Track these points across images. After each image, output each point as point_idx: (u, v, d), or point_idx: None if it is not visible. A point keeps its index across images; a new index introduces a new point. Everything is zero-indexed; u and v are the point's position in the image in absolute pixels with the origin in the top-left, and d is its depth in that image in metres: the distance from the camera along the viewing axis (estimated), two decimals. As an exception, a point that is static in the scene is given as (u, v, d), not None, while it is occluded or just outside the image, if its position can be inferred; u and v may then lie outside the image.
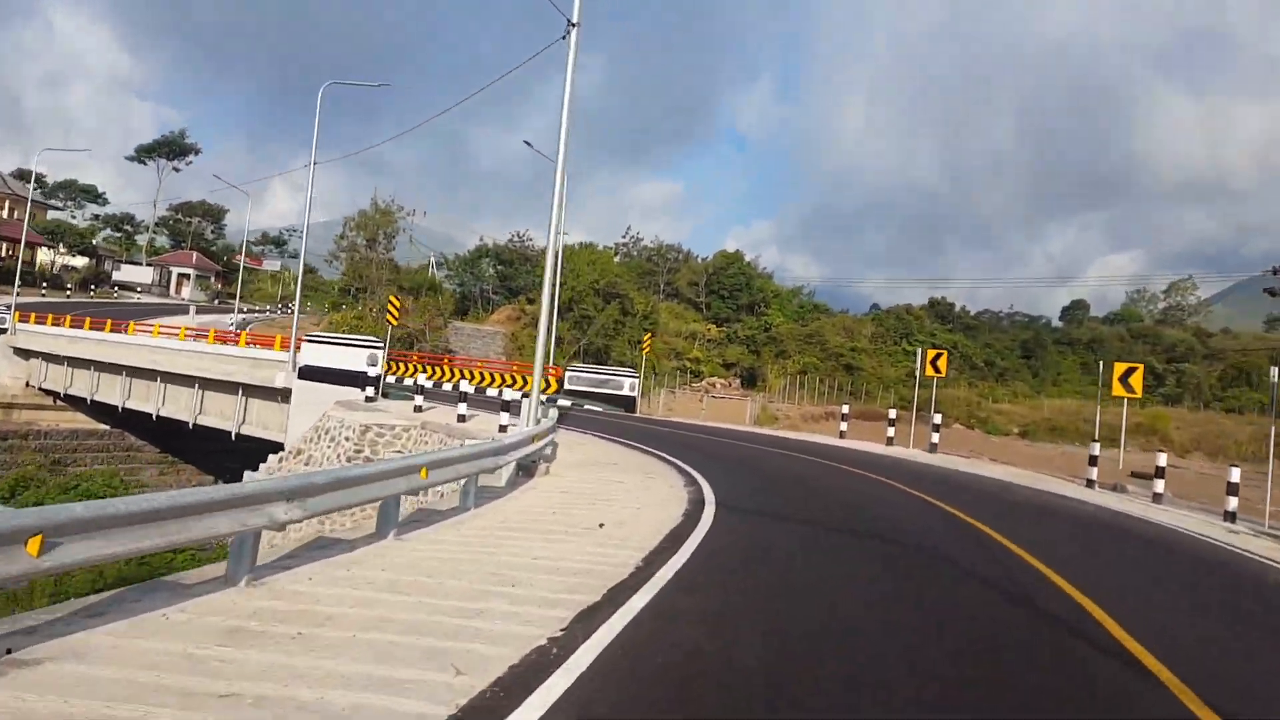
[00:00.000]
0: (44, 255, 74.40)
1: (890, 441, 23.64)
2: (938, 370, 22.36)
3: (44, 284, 66.99)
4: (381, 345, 24.53)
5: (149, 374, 30.86)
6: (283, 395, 24.33)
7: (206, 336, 35.29)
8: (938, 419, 22.00)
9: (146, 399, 31.49)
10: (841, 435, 25.72)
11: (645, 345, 35.86)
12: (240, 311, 71.24)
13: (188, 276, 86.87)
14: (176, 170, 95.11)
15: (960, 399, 57.62)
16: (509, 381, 32.73)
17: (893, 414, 24.10)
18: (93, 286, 72.86)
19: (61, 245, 71.96)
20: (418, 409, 20.84)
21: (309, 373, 23.73)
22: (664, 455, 17.09)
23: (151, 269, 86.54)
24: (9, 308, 41.33)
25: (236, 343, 42.90)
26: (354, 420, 18.58)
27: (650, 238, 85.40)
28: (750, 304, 78.62)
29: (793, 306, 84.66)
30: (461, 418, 18.38)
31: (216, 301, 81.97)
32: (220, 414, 27.89)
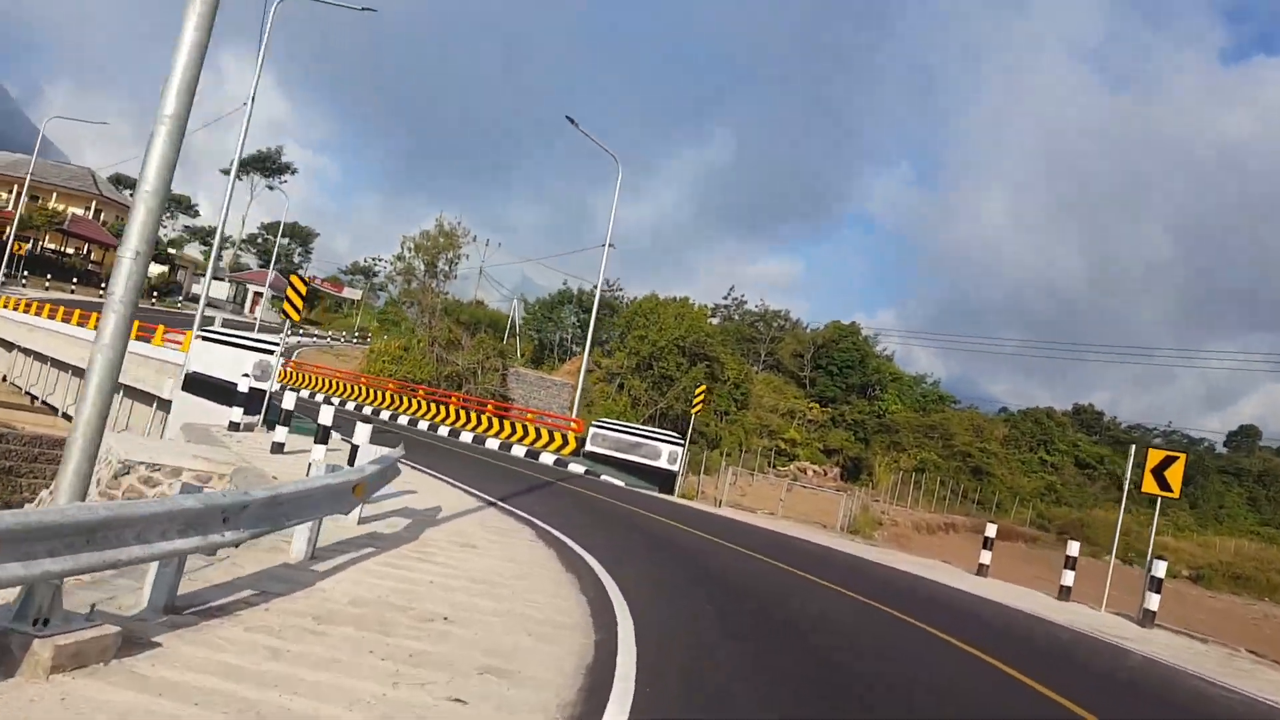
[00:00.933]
0: (109, 256, 73.14)
1: (1066, 594, 14.83)
2: (1166, 486, 13.35)
3: (103, 285, 64.96)
4: (274, 347, 17.73)
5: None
6: (166, 407, 18.27)
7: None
8: (1160, 570, 13.02)
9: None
10: (982, 571, 16.93)
11: (697, 399, 27.71)
12: (298, 334, 67.33)
13: (262, 295, 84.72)
14: (270, 189, 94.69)
15: (1109, 523, 47.15)
16: (554, 441, 25.51)
17: (1073, 549, 15.11)
18: (155, 294, 70.79)
19: (136, 249, 70.58)
20: (278, 447, 13.80)
21: (194, 383, 17.41)
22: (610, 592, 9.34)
23: (228, 285, 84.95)
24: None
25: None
26: (122, 453, 11.60)
27: (755, 301, 77.74)
28: (863, 385, 69.49)
29: (913, 394, 75.01)
30: (278, 446, 11.55)
31: (289, 325, 78.75)
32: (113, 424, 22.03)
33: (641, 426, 25.92)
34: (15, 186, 73.63)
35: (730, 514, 22.29)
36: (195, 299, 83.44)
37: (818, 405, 64.31)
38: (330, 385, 33.29)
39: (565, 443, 25.67)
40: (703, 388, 27.54)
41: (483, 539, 9.91)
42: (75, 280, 61.44)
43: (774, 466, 53.31)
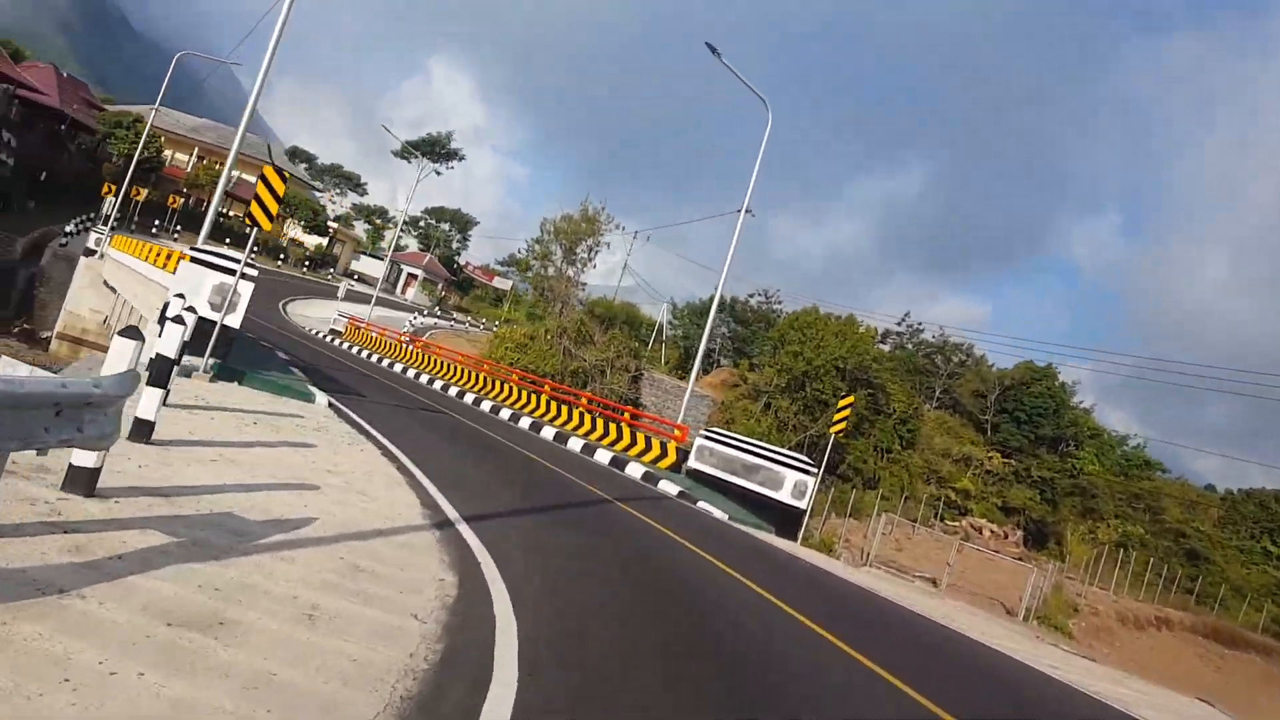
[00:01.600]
0: (273, 227, 74.95)
1: None
2: None
3: (255, 248, 65.99)
4: (247, 264, 13.29)
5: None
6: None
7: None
8: None
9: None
10: None
11: (839, 416, 20.87)
12: (435, 315, 65.88)
13: (415, 277, 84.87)
14: (437, 174, 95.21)
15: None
16: (650, 449, 20.49)
17: None
18: (308, 263, 71.55)
19: (295, 220, 71.94)
20: (141, 430, 9.08)
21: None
22: None
23: (382, 264, 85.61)
24: (107, 228, 36.57)
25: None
26: None
27: (933, 330, 69.59)
28: (1055, 438, 60.04)
29: (1114, 456, 64.53)
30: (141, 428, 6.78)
31: (437, 308, 78.15)
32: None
33: (762, 444, 20.27)
34: (195, 149, 76.91)
35: (873, 582, 16.30)
36: (351, 274, 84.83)
37: (999, 455, 55.81)
38: (448, 369, 29.87)
39: (663, 453, 20.54)
40: (849, 399, 21.49)
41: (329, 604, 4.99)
42: (227, 240, 62.40)
43: (941, 520, 45.79)
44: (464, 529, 7.86)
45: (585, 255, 48.88)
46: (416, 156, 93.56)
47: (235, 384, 12.53)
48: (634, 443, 21.32)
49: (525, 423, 22.59)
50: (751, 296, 69.40)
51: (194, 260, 12.55)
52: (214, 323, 12.50)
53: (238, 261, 12.83)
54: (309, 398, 13.14)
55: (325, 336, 37.21)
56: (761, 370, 53.77)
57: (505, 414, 23.50)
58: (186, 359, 10.66)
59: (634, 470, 18.89)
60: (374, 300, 44.48)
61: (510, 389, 26.80)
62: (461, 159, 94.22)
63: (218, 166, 69.17)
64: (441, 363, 31.69)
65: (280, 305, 46.11)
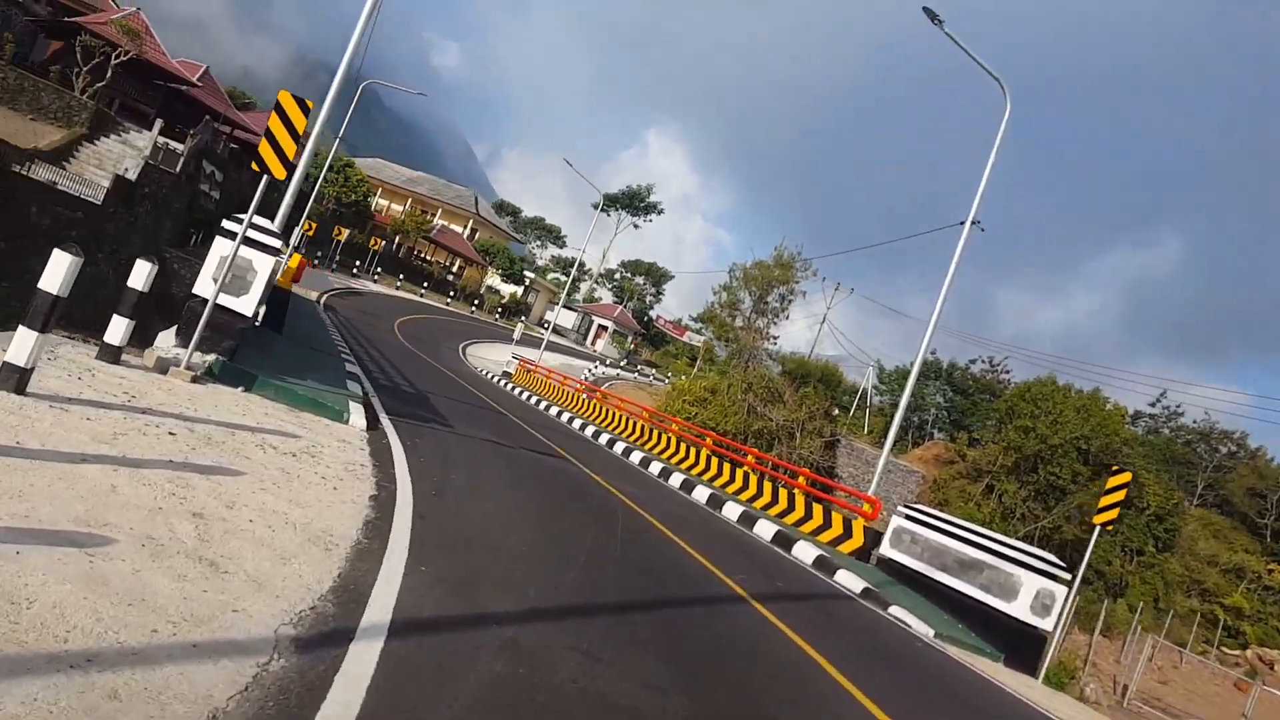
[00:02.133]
0: (471, 272, 76.06)
1: None
2: None
3: (451, 294, 66.79)
4: (277, 244, 9.74)
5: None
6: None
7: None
8: None
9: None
10: None
11: (1106, 501, 14.53)
12: (620, 367, 63.46)
13: (606, 329, 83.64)
14: (636, 226, 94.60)
15: None
16: (829, 527, 15.60)
17: None
18: (499, 311, 71.76)
19: (494, 269, 72.81)
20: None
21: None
22: None
23: (576, 314, 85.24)
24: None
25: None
26: None
27: (1197, 416, 58.93)
28: (1365, 551, 48.21)
29: None
30: None
31: (625, 361, 76.18)
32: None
33: (987, 532, 14.63)
34: (409, 199, 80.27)
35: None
36: (544, 325, 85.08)
37: (1283, 567, 45.24)
38: (610, 417, 26.54)
39: (846, 533, 15.45)
40: (1123, 477, 15.30)
41: None
42: (425, 284, 63.48)
43: (1216, 647, 36.59)
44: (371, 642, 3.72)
45: (777, 304, 44.44)
46: (614, 209, 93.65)
47: (240, 389, 9.24)
48: (808, 515, 16.42)
49: (676, 479, 18.32)
50: (973, 363, 61.79)
51: (221, 234, 9.48)
52: (232, 311, 9.36)
53: (271, 234, 9.65)
54: (339, 416, 9.63)
55: (495, 378, 35.02)
56: (983, 446, 46.61)
57: (655, 467, 19.36)
58: (173, 350, 7.45)
59: (804, 552, 14.03)
60: (544, 344, 42.19)
61: (667, 440, 22.68)
62: (660, 212, 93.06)
63: (425, 214, 71.32)
64: (606, 410, 28.23)
65: (460, 347, 45.04)
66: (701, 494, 17.21)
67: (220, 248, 9.28)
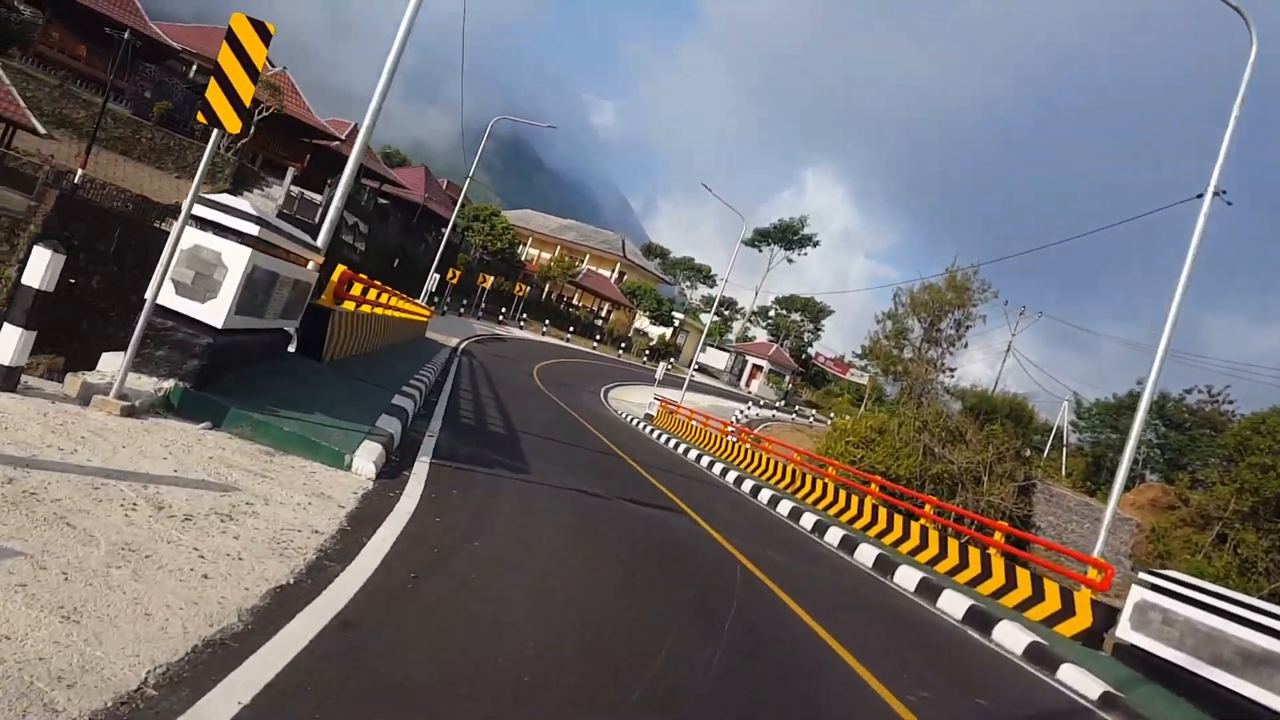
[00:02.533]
0: (619, 315, 74.51)
1: None
2: None
3: (598, 338, 65.32)
4: (247, 225, 7.08)
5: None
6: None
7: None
8: None
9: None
10: None
11: None
12: (776, 408, 59.59)
13: (760, 369, 79.88)
14: (790, 260, 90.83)
15: None
16: (1040, 599, 11.64)
17: None
18: (647, 354, 69.59)
19: (642, 311, 71.05)
20: None
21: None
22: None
23: (728, 355, 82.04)
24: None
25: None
26: None
27: None
28: None
29: None
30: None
31: (783, 402, 72.21)
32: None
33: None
34: (557, 247, 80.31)
35: None
36: (701, 369, 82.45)
37: None
38: (761, 464, 23.35)
39: (1066, 608, 11.33)
40: None
41: None
42: (572, 329, 62.35)
43: None
44: None
45: (952, 332, 39.64)
46: (767, 244, 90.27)
47: (202, 425, 6.81)
48: (1010, 583, 12.46)
49: (834, 535, 14.78)
50: (1188, 393, 53.80)
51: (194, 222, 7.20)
52: (195, 322, 7.03)
53: (248, 219, 7.28)
54: (337, 460, 7.07)
55: (634, 421, 32.44)
56: (1210, 489, 39.66)
57: (808, 520, 15.89)
58: (117, 375, 5.12)
59: (1010, 636, 10.21)
60: (686, 383, 39.29)
61: (823, 486, 19.09)
62: (815, 244, 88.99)
63: (574, 260, 70.74)
64: (750, 454, 24.96)
65: (602, 391, 42.95)
66: (866, 553, 13.60)
67: (195, 238, 6.95)
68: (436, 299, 46.63)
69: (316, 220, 36.36)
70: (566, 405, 26.54)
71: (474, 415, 14.41)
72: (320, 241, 11.90)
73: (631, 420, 32.93)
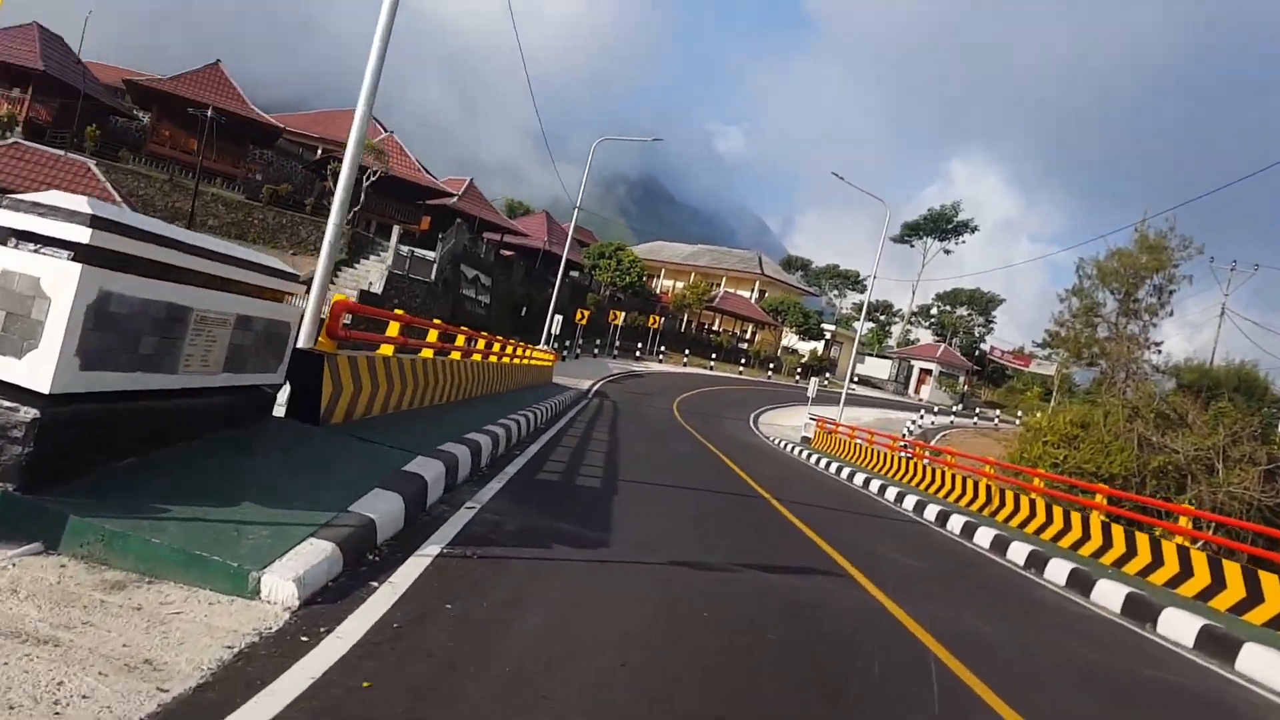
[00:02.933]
0: (765, 335, 70.74)
1: None
2: None
3: (743, 361, 61.92)
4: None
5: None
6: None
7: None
8: None
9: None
10: None
11: None
12: (953, 413, 54.11)
13: (929, 372, 73.85)
14: (946, 252, 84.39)
15: None
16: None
17: None
18: (799, 372, 65.44)
19: (788, 327, 67.16)
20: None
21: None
22: None
23: (891, 362, 76.50)
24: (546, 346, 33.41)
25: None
26: None
27: None
28: None
29: None
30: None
31: (959, 405, 66.27)
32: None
33: None
34: (691, 274, 77.80)
35: None
36: (857, 379, 77.33)
37: None
38: (943, 482, 19.57)
39: None
40: None
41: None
42: (714, 355, 59.33)
43: None
44: None
45: (1153, 300, 33.87)
46: (919, 238, 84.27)
47: (27, 549, 4.31)
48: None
49: (1058, 570, 10.99)
50: None
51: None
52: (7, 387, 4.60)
53: (78, 220, 4.82)
54: (236, 582, 4.38)
55: (789, 447, 29.01)
56: None
57: (1019, 551, 12.10)
58: None
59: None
60: (842, 398, 35.37)
61: (1030, 504, 15.10)
62: (973, 230, 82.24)
63: (708, 285, 68.03)
64: (927, 471, 21.10)
65: (751, 417, 39.66)
66: (1109, 594, 9.77)
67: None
68: (561, 342, 44.87)
69: (432, 278, 35.31)
70: (704, 438, 23.51)
71: (564, 466, 11.67)
72: (329, 240, 9.60)
73: (785, 447, 29.45)
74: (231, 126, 35.83)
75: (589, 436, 16.64)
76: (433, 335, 12.55)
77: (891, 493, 18.41)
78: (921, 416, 47.88)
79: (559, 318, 38.85)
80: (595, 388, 37.13)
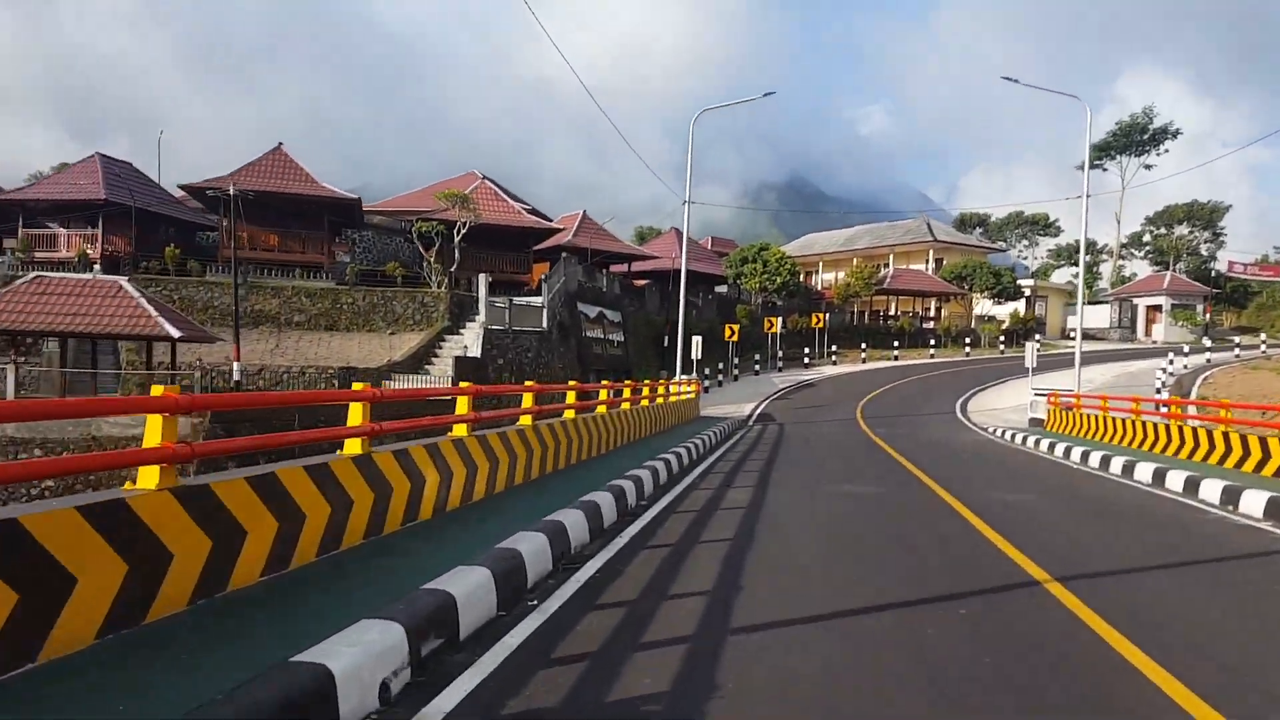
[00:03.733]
0: (952, 307, 62.11)
1: None
2: None
3: (932, 342, 54.01)
4: None
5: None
6: None
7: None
8: None
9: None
10: None
11: None
12: (1201, 349, 44.20)
13: (1159, 309, 62.66)
14: (1147, 168, 72.42)
15: None
16: None
17: None
18: (1001, 340, 56.53)
19: (979, 293, 58.45)
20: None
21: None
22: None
23: (1107, 307, 65.66)
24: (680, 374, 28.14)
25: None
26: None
27: None
28: None
29: None
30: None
31: (1205, 339, 55.35)
32: None
33: None
34: (853, 260, 70.41)
35: None
36: (1068, 335, 66.99)
37: None
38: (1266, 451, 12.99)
39: None
40: None
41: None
42: (896, 344, 51.97)
43: None
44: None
45: None
46: (1111, 158, 73.18)
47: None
48: None
49: None
50: None
51: None
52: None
53: None
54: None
55: (1018, 438, 22.25)
56: None
57: None
58: None
59: None
60: (1077, 359, 27.90)
61: None
62: (1175, 135, 70.17)
63: (875, 268, 60.81)
64: (1237, 441, 14.20)
65: (957, 406, 32.75)
66: None
67: None
68: (703, 368, 39.46)
69: (544, 325, 31.06)
70: (902, 455, 17.43)
71: (669, 562, 6.48)
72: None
73: (1009, 437, 22.64)
74: (306, 210, 33.28)
75: (720, 496, 11.16)
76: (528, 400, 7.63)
77: (1212, 490, 11.71)
78: (1171, 361, 38.80)
79: (698, 339, 33.55)
80: (758, 411, 31.47)
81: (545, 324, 30.52)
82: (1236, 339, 52.36)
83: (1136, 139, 71.10)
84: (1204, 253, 72.10)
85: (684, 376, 28.90)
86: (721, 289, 59.33)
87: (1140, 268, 75.04)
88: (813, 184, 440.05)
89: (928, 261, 68.09)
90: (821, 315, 49.73)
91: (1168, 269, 69.42)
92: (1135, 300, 63.65)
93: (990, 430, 25.47)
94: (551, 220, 42.39)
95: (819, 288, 71.80)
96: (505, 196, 39.55)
